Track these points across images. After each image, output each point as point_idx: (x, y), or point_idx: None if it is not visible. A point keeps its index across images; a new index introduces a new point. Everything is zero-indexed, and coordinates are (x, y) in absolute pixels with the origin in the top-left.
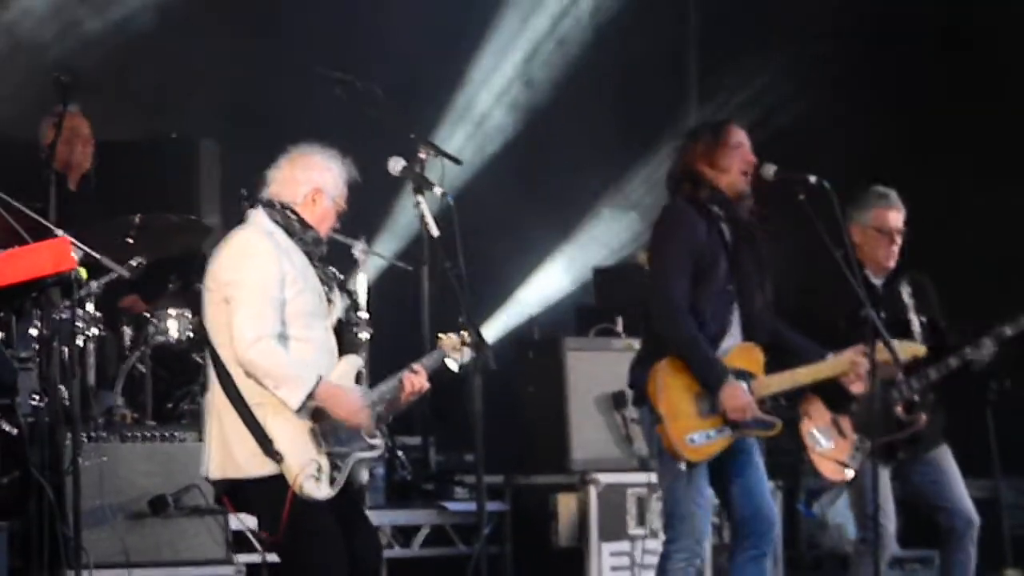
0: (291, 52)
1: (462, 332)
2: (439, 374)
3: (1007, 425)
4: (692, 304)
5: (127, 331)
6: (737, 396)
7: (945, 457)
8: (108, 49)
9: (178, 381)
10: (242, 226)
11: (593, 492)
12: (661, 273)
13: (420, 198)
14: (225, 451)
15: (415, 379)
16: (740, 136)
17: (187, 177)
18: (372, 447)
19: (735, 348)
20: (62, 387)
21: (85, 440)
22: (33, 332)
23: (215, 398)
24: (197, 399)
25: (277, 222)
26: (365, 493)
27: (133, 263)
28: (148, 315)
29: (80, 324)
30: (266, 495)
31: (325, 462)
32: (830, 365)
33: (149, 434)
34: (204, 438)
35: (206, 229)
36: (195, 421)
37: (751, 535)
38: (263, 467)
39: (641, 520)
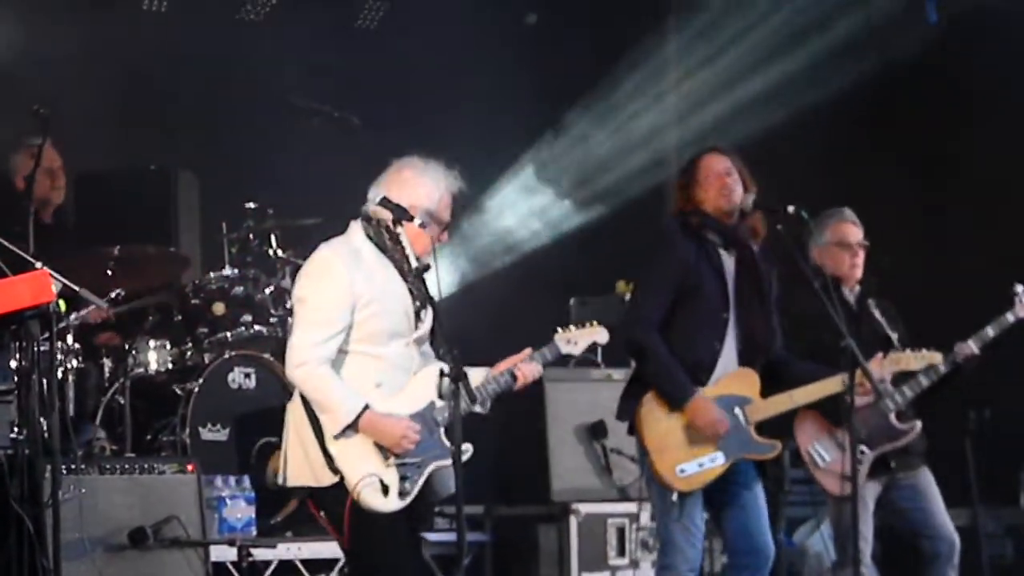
0: (270, 85)
1: (583, 325)
2: None
3: (986, 453)
4: (680, 326)
5: (107, 363)
6: (704, 411)
7: (929, 483)
8: (87, 80)
9: (158, 413)
10: (332, 240)
11: (573, 522)
12: (640, 287)
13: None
14: (303, 457)
15: (527, 369)
16: (712, 164)
17: (166, 208)
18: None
19: (731, 373)
20: (41, 419)
21: (64, 472)
22: (12, 365)
23: (295, 404)
24: (176, 431)
25: (370, 237)
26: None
27: (112, 295)
28: (127, 347)
29: (59, 356)
30: (336, 502)
31: (393, 475)
32: (824, 385)
33: (128, 466)
34: (282, 443)
35: (184, 260)
36: (175, 453)
37: (745, 568)
38: (333, 476)
39: (621, 550)
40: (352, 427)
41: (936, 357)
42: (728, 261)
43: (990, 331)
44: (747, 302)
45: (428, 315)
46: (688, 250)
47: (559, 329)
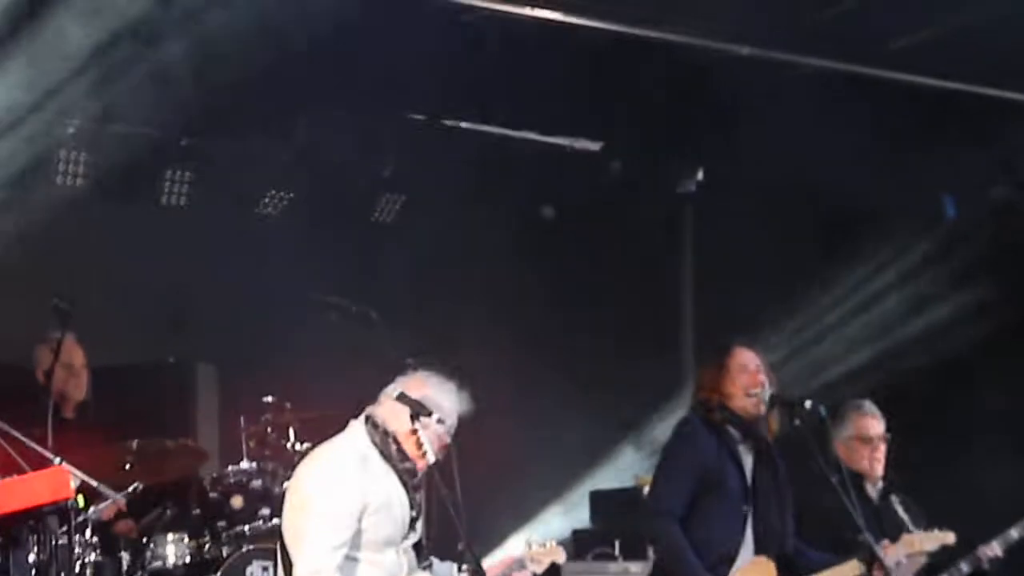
0: (287, 278)
1: (545, 545)
2: None
3: None
4: (703, 518)
5: (125, 556)
6: None
7: None
8: (106, 274)
9: None
10: (337, 441)
11: None
12: (659, 481)
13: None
14: None
15: None
16: (744, 359)
17: (184, 401)
18: None
19: (749, 562)
20: None
21: None
22: (30, 559)
23: None
24: None
25: (375, 443)
26: None
27: (130, 489)
28: (145, 540)
29: (77, 550)
30: None
31: None
32: (840, 570)
33: None
34: None
35: (202, 454)
36: None
37: None
38: None
39: None
40: None
41: (948, 536)
42: (747, 456)
43: (1014, 533)
44: (764, 496)
45: (420, 524)
46: (710, 445)
47: (525, 548)
